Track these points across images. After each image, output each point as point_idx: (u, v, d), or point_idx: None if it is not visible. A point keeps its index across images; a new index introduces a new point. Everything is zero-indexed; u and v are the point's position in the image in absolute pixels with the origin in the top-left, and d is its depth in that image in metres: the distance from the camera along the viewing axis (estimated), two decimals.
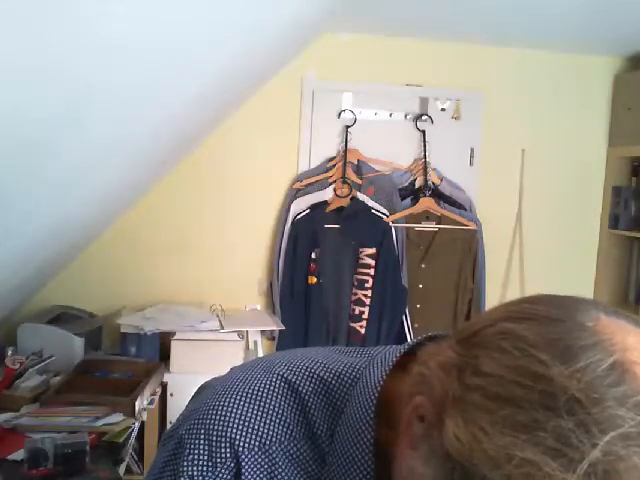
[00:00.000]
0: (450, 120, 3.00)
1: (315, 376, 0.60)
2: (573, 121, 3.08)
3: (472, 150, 3.01)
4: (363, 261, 2.83)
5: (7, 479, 1.59)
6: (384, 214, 2.84)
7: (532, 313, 0.46)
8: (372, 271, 2.82)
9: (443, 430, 0.43)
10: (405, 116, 2.96)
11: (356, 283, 2.84)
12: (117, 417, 1.86)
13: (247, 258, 2.92)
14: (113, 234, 2.83)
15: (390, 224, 2.84)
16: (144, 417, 2.03)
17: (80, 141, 1.60)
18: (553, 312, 0.46)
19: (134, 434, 1.86)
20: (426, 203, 2.88)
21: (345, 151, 2.88)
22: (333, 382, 0.59)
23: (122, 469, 1.70)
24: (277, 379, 0.59)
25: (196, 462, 0.56)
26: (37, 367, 2.18)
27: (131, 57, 1.39)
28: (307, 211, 2.83)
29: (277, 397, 0.58)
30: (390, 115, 2.96)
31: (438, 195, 2.92)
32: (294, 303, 2.84)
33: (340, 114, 2.91)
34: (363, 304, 2.83)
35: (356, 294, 2.84)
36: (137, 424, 1.90)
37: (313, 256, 2.82)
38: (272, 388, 0.59)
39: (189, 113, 2.24)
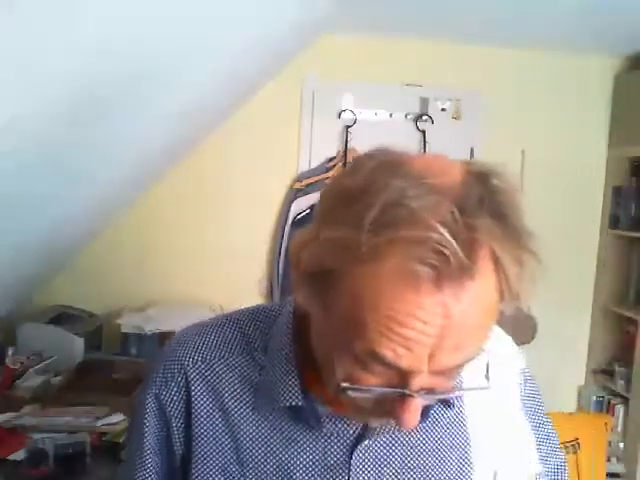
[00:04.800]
0: (450, 120, 2.99)
1: (253, 312, 0.74)
2: (573, 121, 3.08)
3: (472, 150, 3.01)
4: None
5: (7, 479, 1.59)
6: None
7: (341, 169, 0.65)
8: None
9: (300, 264, 0.57)
10: (405, 116, 2.96)
11: None
12: (117, 417, 1.86)
13: (247, 258, 2.92)
14: (113, 234, 2.83)
15: None
16: None
17: (80, 141, 1.60)
18: (356, 158, 0.61)
19: None
20: None
21: (345, 151, 2.88)
22: (267, 312, 0.73)
23: None
24: (221, 317, 0.75)
25: (156, 381, 0.71)
26: (37, 367, 2.18)
27: (131, 57, 1.39)
28: (307, 211, 2.83)
29: (220, 327, 0.73)
30: (390, 115, 2.96)
31: None
32: None
33: (340, 114, 2.91)
34: None
35: None
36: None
37: None
38: (216, 323, 0.74)
39: (189, 113, 2.24)
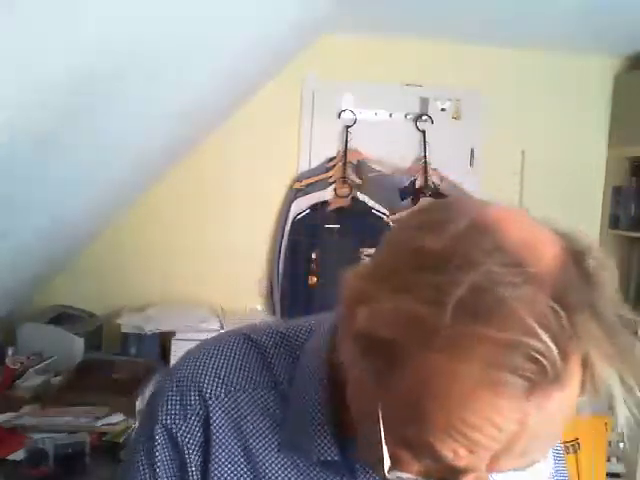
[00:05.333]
0: (450, 120, 2.99)
1: (275, 332, 0.67)
2: (573, 121, 3.08)
3: (472, 150, 3.01)
4: (363, 261, 2.82)
5: (7, 479, 1.59)
6: (384, 214, 2.84)
7: (412, 211, 0.55)
8: None
9: (355, 320, 0.50)
10: (405, 116, 2.96)
11: None
12: (117, 417, 1.86)
13: (247, 258, 2.92)
14: (113, 234, 2.83)
15: (390, 224, 2.84)
16: None
17: (80, 140, 1.60)
18: (427, 205, 0.55)
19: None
20: None
21: (345, 151, 2.88)
22: (291, 334, 0.66)
23: None
24: (241, 337, 0.67)
25: (169, 411, 0.62)
26: (37, 367, 2.18)
27: (130, 58, 1.39)
28: (307, 211, 2.83)
29: (241, 351, 0.65)
30: (390, 115, 2.96)
31: (438, 195, 2.92)
32: (294, 303, 2.84)
33: (340, 114, 2.91)
34: None
35: None
36: (137, 424, 1.89)
37: (313, 256, 2.82)
38: (237, 345, 0.66)
39: (189, 113, 2.24)
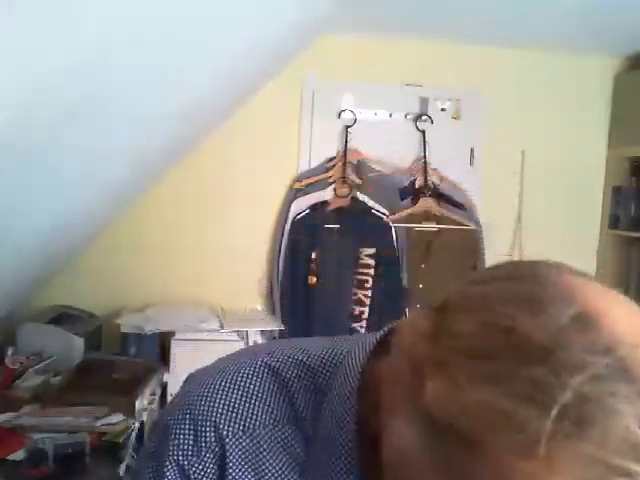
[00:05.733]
0: (450, 120, 2.99)
1: (298, 361, 0.61)
2: (573, 121, 3.08)
3: (472, 150, 3.01)
4: (363, 261, 2.83)
5: (7, 479, 1.59)
6: (384, 214, 2.84)
7: (496, 275, 0.48)
8: (372, 271, 2.82)
9: (423, 393, 0.43)
10: (405, 116, 2.96)
11: (356, 283, 2.84)
12: (117, 417, 1.86)
13: (247, 258, 2.92)
14: (113, 234, 2.83)
15: (390, 224, 2.84)
16: (144, 417, 2.03)
17: (80, 140, 1.60)
18: (518, 272, 0.48)
19: (134, 434, 1.86)
20: (426, 203, 2.88)
21: (345, 151, 2.88)
22: (316, 366, 0.60)
23: (122, 469, 1.70)
24: (261, 366, 0.61)
25: (181, 447, 0.57)
26: (37, 367, 2.18)
27: (130, 57, 1.39)
28: (307, 211, 2.83)
29: (261, 383, 0.60)
30: (390, 115, 2.96)
31: (438, 195, 2.92)
32: (294, 303, 2.84)
33: (340, 114, 2.91)
34: (363, 304, 2.83)
35: (356, 294, 2.84)
36: (137, 424, 1.89)
37: (313, 256, 2.82)
38: (256, 375, 0.60)
39: (189, 113, 2.24)
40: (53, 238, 2.18)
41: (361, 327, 2.83)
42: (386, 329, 0.59)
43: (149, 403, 2.10)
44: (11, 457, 1.64)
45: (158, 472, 0.58)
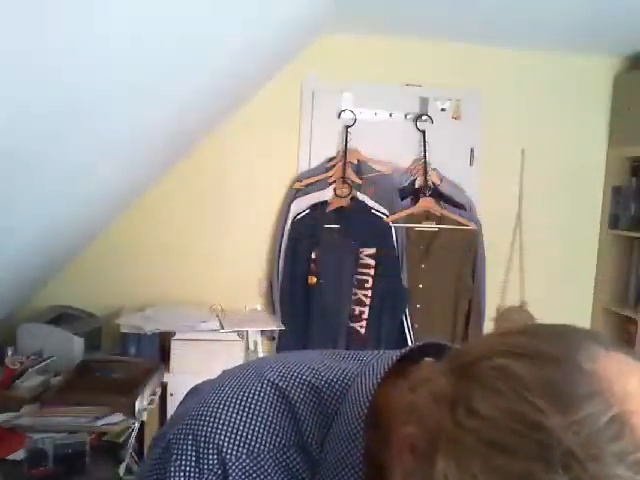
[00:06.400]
0: (450, 120, 2.99)
1: (306, 383, 0.59)
2: (573, 121, 3.08)
3: (472, 150, 3.01)
4: (363, 261, 2.83)
5: (7, 479, 1.59)
6: (384, 214, 2.84)
7: (530, 349, 0.44)
8: (372, 271, 2.82)
9: (434, 468, 0.42)
10: (405, 116, 2.96)
11: (356, 283, 2.84)
12: (117, 417, 1.86)
13: (247, 258, 2.92)
14: (113, 234, 2.83)
15: (390, 224, 2.84)
16: (144, 417, 2.03)
17: (80, 141, 1.60)
18: (552, 349, 0.43)
19: (134, 434, 1.86)
20: (426, 203, 2.88)
21: (345, 151, 2.88)
22: (324, 389, 0.58)
23: (122, 469, 1.70)
24: (267, 385, 0.59)
25: (183, 468, 0.55)
26: (37, 367, 2.18)
27: (130, 58, 1.39)
28: (307, 211, 2.83)
29: (267, 404, 0.57)
30: (390, 115, 2.96)
31: (438, 195, 2.92)
32: (294, 303, 2.84)
33: (340, 114, 2.91)
34: (363, 304, 2.83)
35: (356, 294, 2.84)
36: (137, 424, 1.89)
37: (313, 256, 2.82)
38: (262, 395, 0.58)
39: (190, 113, 2.24)
40: (53, 238, 2.18)
41: (361, 327, 2.83)
42: (399, 353, 0.57)
43: (149, 403, 2.10)
44: (11, 457, 1.64)
45: None
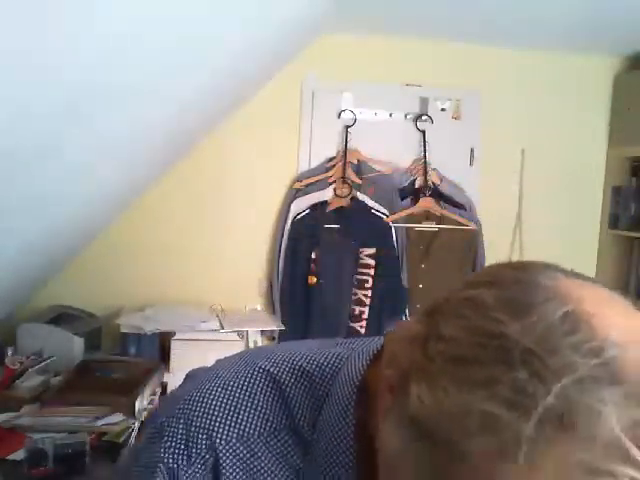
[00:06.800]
0: (450, 120, 3.00)
1: (297, 367, 0.60)
2: (573, 121, 3.08)
3: (472, 150, 3.01)
4: (363, 261, 2.83)
5: (7, 479, 1.59)
6: (384, 214, 2.84)
7: (488, 279, 0.46)
8: (372, 271, 2.82)
9: (409, 397, 0.44)
10: (405, 116, 2.96)
11: (356, 283, 2.84)
12: (117, 417, 1.86)
13: (247, 258, 2.92)
14: (113, 234, 2.83)
15: (390, 224, 2.84)
16: (144, 417, 2.03)
17: (80, 141, 1.60)
18: (509, 276, 0.46)
19: (134, 434, 1.86)
20: (426, 203, 2.88)
21: (345, 151, 2.88)
22: (315, 373, 0.59)
23: None
24: (258, 371, 0.60)
25: (173, 450, 0.56)
26: (37, 367, 2.18)
27: (130, 57, 1.39)
28: (307, 211, 2.83)
29: (258, 389, 0.59)
30: (390, 115, 2.96)
31: (438, 195, 2.92)
32: (294, 303, 2.84)
33: (340, 114, 2.91)
34: (363, 304, 2.83)
35: (356, 294, 2.84)
36: (137, 424, 1.90)
37: (313, 256, 2.82)
38: (253, 380, 0.59)
39: (190, 113, 2.24)
40: (53, 238, 2.18)
41: (361, 327, 2.83)
42: (385, 334, 0.59)
43: (149, 403, 2.10)
44: (11, 457, 1.64)
45: (146, 472, 0.57)
